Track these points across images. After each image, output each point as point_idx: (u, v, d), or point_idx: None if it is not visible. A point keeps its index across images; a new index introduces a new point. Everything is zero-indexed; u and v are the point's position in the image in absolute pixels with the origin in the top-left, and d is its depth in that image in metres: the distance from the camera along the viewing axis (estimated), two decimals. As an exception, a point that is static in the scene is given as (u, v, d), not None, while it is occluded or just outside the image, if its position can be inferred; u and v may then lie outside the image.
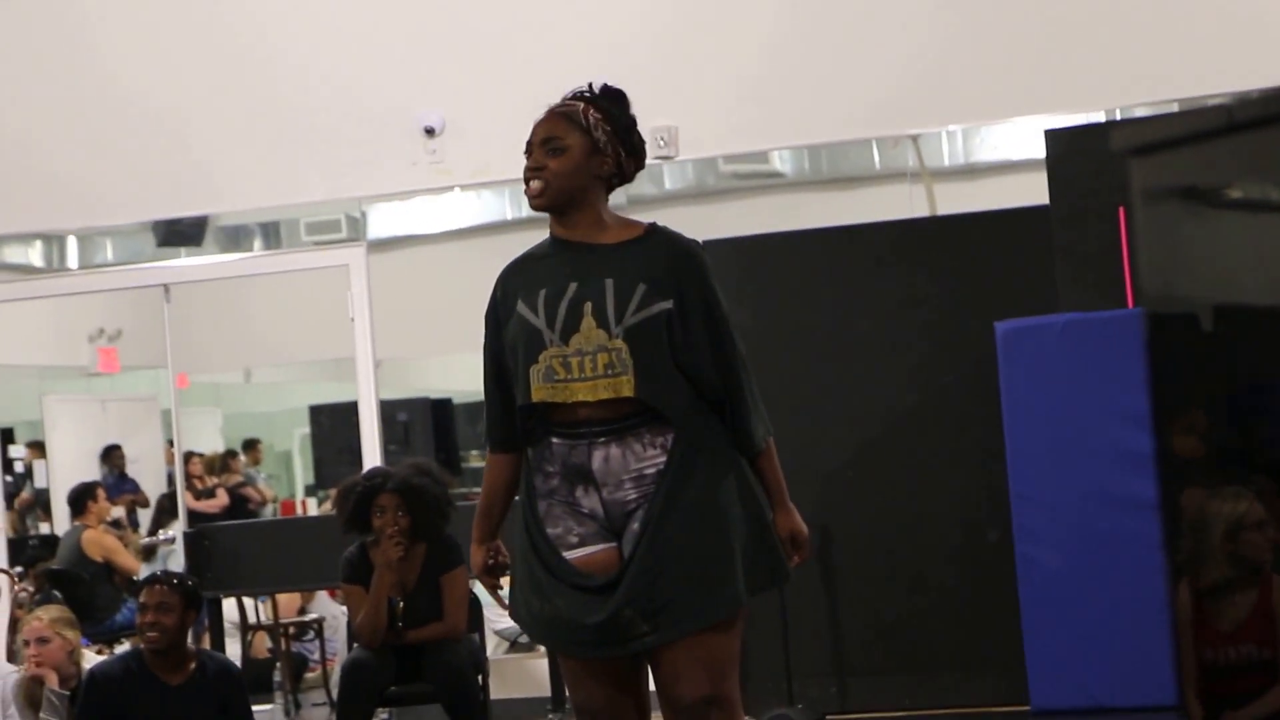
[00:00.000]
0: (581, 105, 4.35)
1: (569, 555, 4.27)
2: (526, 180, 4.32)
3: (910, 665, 8.75)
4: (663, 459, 4.23)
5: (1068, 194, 8.60)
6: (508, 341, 4.32)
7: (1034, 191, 8.78)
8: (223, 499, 14.30)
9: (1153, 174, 8.60)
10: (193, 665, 7.02)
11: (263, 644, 11.47)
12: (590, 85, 4.42)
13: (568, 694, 4.53)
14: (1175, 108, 9.03)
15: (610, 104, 4.38)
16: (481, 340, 4.45)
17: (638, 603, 4.18)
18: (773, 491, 4.36)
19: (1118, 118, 9.16)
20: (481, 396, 4.48)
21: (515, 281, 4.36)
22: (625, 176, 4.41)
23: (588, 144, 4.31)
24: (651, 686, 4.33)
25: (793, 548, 4.36)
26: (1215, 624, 6.97)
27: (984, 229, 8.89)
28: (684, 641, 4.19)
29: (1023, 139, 9.40)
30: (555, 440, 4.28)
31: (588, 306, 4.23)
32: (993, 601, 8.50)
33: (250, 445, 16.67)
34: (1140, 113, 9.12)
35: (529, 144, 4.33)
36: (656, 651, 4.23)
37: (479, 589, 7.16)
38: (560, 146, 4.29)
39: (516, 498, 4.45)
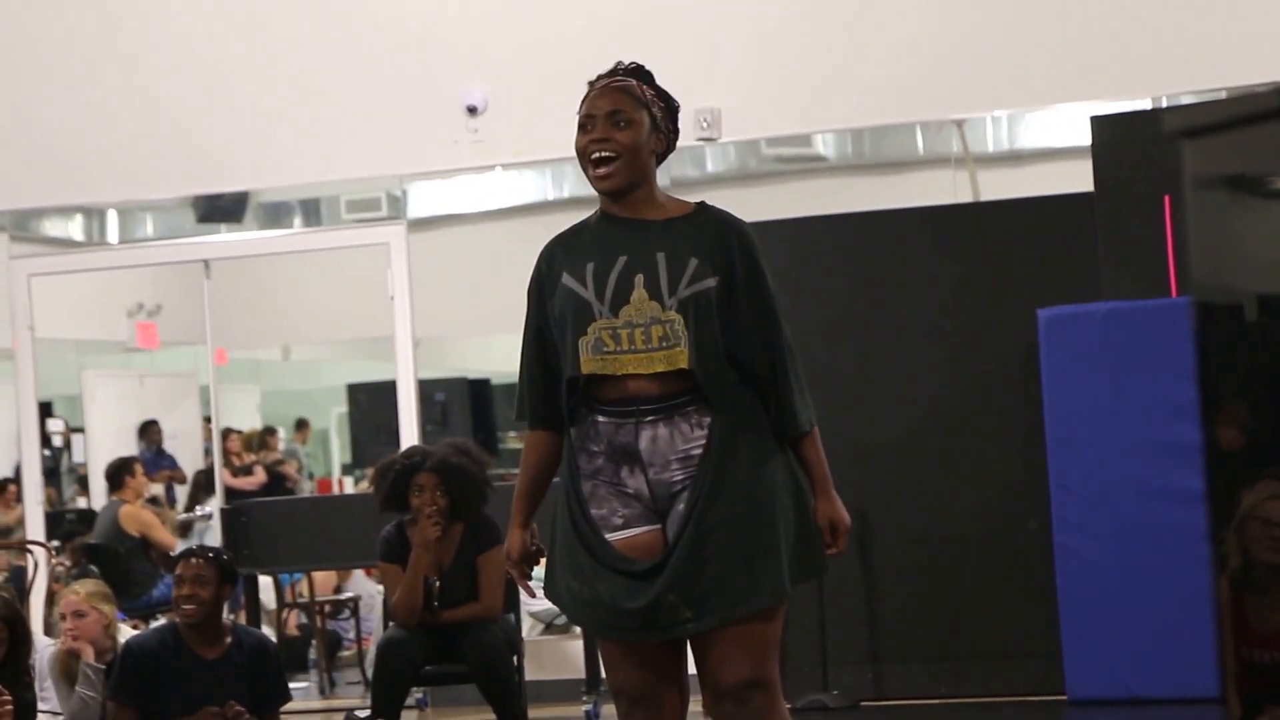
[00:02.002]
0: (635, 82, 4.30)
1: (612, 537, 4.21)
2: (589, 155, 4.23)
3: (946, 653, 8.71)
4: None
5: (1112, 181, 8.55)
6: (553, 315, 4.26)
7: (1078, 178, 8.75)
8: (260, 476, 14.30)
9: (1199, 161, 8.53)
10: (228, 639, 7.01)
11: (293, 621, 11.49)
12: (621, 63, 4.37)
13: (605, 676, 4.49)
14: (1222, 95, 8.96)
15: (654, 83, 4.35)
16: (522, 320, 4.38)
17: (680, 588, 4.14)
18: (816, 479, 4.29)
19: (1164, 105, 9.09)
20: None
21: (560, 255, 4.30)
22: (665, 157, 4.38)
23: (649, 120, 4.27)
24: (691, 668, 4.30)
25: (831, 536, 4.30)
26: (1253, 624, 6.84)
27: (1028, 215, 8.85)
28: (726, 627, 4.15)
29: (1068, 125, 9.35)
30: (601, 419, 4.22)
31: (639, 279, 4.17)
32: (1031, 591, 8.47)
33: (300, 425, 16.71)
34: (1186, 100, 9.05)
35: (590, 117, 4.25)
36: (698, 636, 4.20)
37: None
38: (628, 120, 4.23)
39: (555, 479, 4.40)
